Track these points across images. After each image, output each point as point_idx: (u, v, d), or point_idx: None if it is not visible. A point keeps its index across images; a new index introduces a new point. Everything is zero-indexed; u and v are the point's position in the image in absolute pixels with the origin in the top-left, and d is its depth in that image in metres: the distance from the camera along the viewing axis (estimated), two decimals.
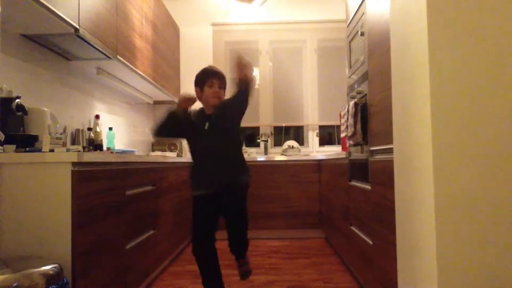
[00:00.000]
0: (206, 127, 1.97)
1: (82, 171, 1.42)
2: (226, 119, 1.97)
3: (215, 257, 2.00)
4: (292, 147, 4.06)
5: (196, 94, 2.02)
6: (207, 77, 1.97)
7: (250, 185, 2.09)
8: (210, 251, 1.99)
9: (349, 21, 2.44)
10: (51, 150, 1.44)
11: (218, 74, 1.99)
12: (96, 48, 2.18)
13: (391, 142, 1.54)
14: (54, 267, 1.20)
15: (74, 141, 2.51)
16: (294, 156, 3.83)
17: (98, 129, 2.66)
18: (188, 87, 4.29)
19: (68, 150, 1.56)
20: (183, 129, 2.05)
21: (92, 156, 1.49)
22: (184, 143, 4.31)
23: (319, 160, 3.64)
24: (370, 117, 1.94)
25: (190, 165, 2.07)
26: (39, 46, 2.15)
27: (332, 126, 4.38)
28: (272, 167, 3.67)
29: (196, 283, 2.39)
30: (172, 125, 2.02)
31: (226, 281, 2.41)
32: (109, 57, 2.37)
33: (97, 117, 2.70)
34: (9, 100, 1.73)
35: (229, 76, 2.03)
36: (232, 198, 2.03)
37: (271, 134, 4.36)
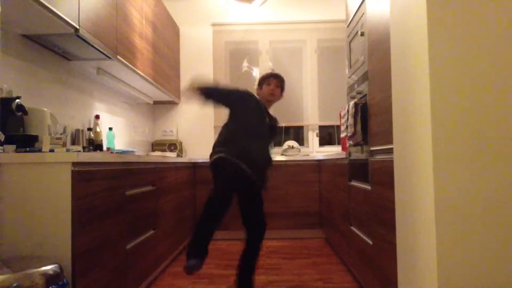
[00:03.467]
0: (267, 121, 2.18)
1: (82, 171, 1.42)
2: (273, 129, 2.25)
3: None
4: (292, 147, 4.06)
5: (256, 92, 2.27)
6: (266, 78, 2.24)
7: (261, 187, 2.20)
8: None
9: (349, 21, 2.44)
10: (51, 150, 1.44)
11: (275, 75, 2.26)
12: (96, 48, 2.18)
13: (391, 142, 1.54)
14: (54, 267, 1.20)
15: (74, 141, 2.50)
16: (294, 156, 3.83)
17: (98, 129, 2.66)
18: None
19: (68, 150, 1.56)
20: (240, 101, 2.15)
21: (92, 156, 1.49)
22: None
23: (319, 160, 3.64)
24: (370, 117, 1.94)
25: (225, 135, 2.12)
26: (39, 46, 2.15)
27: (332, 126, 4.38)
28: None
29: (196, 283, 2.40)
30: (230, 95, 2.18)
31: (226, 281, 2.42)
32: (109, 57, 2.37)
33: (97, 117, 2.70)
34: (9, 100, 1.73)
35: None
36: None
37: None
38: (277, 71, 4.34)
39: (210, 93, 2.14)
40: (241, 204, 2.16)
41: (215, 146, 2.10)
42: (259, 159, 2.10)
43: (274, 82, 2.21)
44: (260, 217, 2.17)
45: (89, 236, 1.47)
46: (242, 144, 2.06)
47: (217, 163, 2.02)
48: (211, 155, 2.09)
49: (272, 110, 2.28)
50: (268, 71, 4.31)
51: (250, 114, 2.13)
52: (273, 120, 2.26)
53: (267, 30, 4.36)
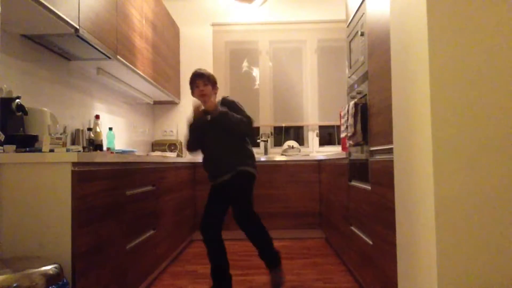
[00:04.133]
0: (209, 118, 2.21)
1: (82, 171, 1.42)
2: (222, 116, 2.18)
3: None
4: (292, 147, 4.06)
5: (192, 96, 2.31)
6: (192, 82, 2.26)
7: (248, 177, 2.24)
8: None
9: (349, 21, 2.44)
10: (51, 150, 1.44)
11: (198, 75, 2.24)
12: (96, 48, 2.18)
13: (391, 142, 1.54)
14: (54, 267, 1.20)
15: (74, 141, 2.50)
16: (294, 156, 3.83)
17: (98, 129, 2.65)
18: (188, 87, 4.30)
19: (68, 150, 1.56)
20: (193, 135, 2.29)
21: (92, 156, 1.49)
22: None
23: (319, 160, 3.64)
24: (370, 117, 1.94)
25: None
26: (39, 46, 2.15)
27: (332, 126, 4.38)
28: (272, 167, 3.66)
29: (196, 283, 2.40)
30: (195, 136, 2.27)
31: None
32: (109, 57, 2.37)
33: (97, 117, 2.70)
34: (9, 100, 1.73)
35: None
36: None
37: (271, 134, 4.36)
38: (277, 71, 4.39)
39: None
40: (232, 211, 2.21)
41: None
42: (218, 162, 2.23)
43: (200, 83, 2.22)
44: (240, 210, 2.18)
45: (89, 236, 1.47)
46: (208, 163, 2.28)
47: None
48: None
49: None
50: (268, 71, 4.31)
51: (201, 136, 2.25)
52: (219, 108, 2.18)
53: (267, 30, 4.36)
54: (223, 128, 2.19)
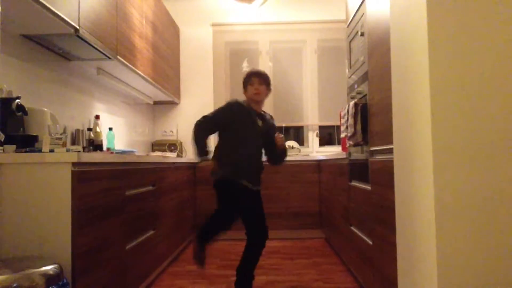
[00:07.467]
0: (260, 124, 2.21)
1: (82, 171, 1.42)
2: (267, 132, 2.24)
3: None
4: (292, 147, 4.06)
5: (244, 95, 2.26)
6: (247, 79, 2.21)
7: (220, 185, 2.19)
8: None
9: (349, 21, 2.44)
10: (51, 150, 1.44)
11: (256, 73, 2.21)
12: (96, 48, 2.18)
13: (391, 142, 1.54)
14: (54, 267, 1.20)
15: (74, 141, 2.50)
16: (294, 157, 3.83)
17: (98, 129, 2.65)
18: (188, 87, 4.32)
19: (68, 150, 1.56)
20: (226, 117, 2.17)
21: (92, 156, 1.49)
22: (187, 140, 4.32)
23: (319, 161, 3.64)
24: (370, 117, 1.94)
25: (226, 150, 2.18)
26: (39, 46, 2.15)
27: (332, 126, 4.38)
28: (272, 167, 3.66)
29: (196, 283, 2.40)
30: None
31: (226, 281, 2.41)
32: (109, 57, 2.37)
33: (97, 117, 2.70)
34: (9, 100, 1.73)
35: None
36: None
37: None
38: (277, 71, 4.40)
39: (195, 132, 2.16)
40: (244, 214, 2.17)
41: (217, 160, 2.17)
42: (255, 168, 2.22)
43: (256, 81, 2.18)
44: (263, 223, 2.18)
45: (89, 236, 1.47)
46: (240, 159, 2.15)
47: (220, 185, 2.18)
48: (212, 172, 2.15)
49: (270, 109, 2.30)
50: (268, 71, 4.33)
51: (240, 126, 2.16)
52: (267, 122, 2.27)
53: (267, 30, 4.36)
54: (270, 135, 2.26)
